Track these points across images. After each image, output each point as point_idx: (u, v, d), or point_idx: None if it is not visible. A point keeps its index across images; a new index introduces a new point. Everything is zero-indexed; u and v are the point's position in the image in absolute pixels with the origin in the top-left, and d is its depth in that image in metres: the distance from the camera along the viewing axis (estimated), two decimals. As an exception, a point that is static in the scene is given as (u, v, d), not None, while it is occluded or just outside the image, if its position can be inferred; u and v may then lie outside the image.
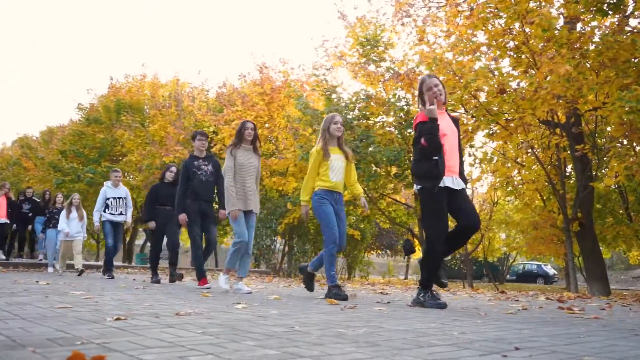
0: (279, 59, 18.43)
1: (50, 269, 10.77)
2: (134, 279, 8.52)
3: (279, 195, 16.65)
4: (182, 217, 6.34)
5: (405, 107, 14.07)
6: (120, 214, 9.04)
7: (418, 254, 16.70)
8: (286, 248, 17.43)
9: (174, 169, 8.03)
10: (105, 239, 8.93)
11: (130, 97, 23.40)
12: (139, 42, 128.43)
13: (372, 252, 29.25)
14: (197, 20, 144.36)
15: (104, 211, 8.97)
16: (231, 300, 4.28)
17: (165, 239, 8.08)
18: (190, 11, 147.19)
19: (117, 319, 2.62)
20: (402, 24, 13.98)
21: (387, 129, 14.50)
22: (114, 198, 9.05)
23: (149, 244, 28.27)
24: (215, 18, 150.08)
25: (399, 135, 14.20)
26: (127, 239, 25.85)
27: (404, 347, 2.00)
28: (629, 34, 8.47)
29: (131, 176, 21.75)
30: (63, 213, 9.96)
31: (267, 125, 17.76)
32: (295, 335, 2.22)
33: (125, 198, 9.18)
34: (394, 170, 14.85)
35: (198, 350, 1.80)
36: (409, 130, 14.22)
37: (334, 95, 14.57)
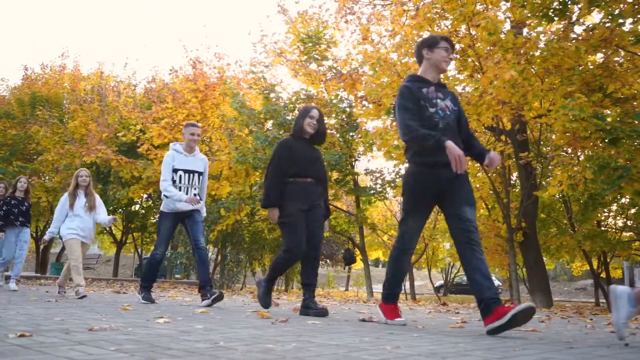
0: (214, 53, 18.27)
1: (11, 284, 8.30)
2: (47, 291, 8.21)
3: (211, 201, 16.48)
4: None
5: (347, 109, 14.25)
6: (195, 197, 6.00)
7: (359, 263, 16.88)
8: (219, 257, 17.26)
9: (315, 112, 5.03)
10: (158, 239, 6.08)
11: (47, 89, 22.63)
12: (58, 29, 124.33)
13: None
14: (124, 6, 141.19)
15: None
16: (153, 314, 4.20)
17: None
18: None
19: (21, 335, 2.53)
20: (346, 22, 14.17)
21: (329, 131, 14.62)
22: (186, 171, 5.96)
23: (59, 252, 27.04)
24: (145, 5, 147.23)
25: (340, 139, 14.36)
26: (42, 247, 24.93)
27: (334, 363, 2.03)
28: (573, 41, 8.90)
29: (46, 177, 21.01)
30: (62, 200, 7.06)
31: (200, 124, 17.54)
32: (219, 352, 2.21)
33: (202, 174, 6.12)
34: (334, 175, 14.99)
35: (109, 369, 1.76)
36: (351, 134, 14.41)
37: (272, 95, 14.60)
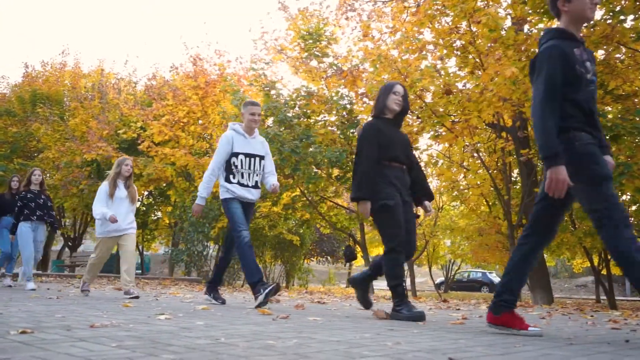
0: (214, 50, 18.29)
1: (30, 284, 7.61)
2: (48, 289, 8.23)
3: (211, 198, 16.48)
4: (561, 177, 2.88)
5: (348, 106, 14.25)
6: (256, 185, 5.43)
7: (360, 260, 16.92)
8: (220, 254, 17.25)
9: (399, 88, 4.39)
10: (233, 229, 5.23)
11: (48, 87, 22.66)
12: (59, 27, 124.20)
13: (311, 259, 29.41)
14: (124, 4, 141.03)
15: (229, 179, 5.28)
16: (154, 311, 4.21)
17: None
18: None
19: (23, 332, 2.54)
20: (347, 18, 14.17)
21: (329, 128, 14.63)
22: (247, 155, 5.37)
23: (64, 250, 26.88)
24: (145, 3, 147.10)
25: (341, 136, 14.35)
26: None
27: (334, 358, 2.03)
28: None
29: (47, 175, 21.03)
30: (102, 189, 6.54)
31: (200, 121, 17.57)
32: (220, 348, 2.21)
33: (264, 157, 5.51)
34: (335, 172, 14.99)
35: (110, 365, 1.76)
36: (351, 131, 14.40)
37: (273, 92, 14.59)
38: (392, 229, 4.07)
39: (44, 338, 2.38)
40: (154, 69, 33.46)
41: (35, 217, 8.01)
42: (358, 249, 16.89)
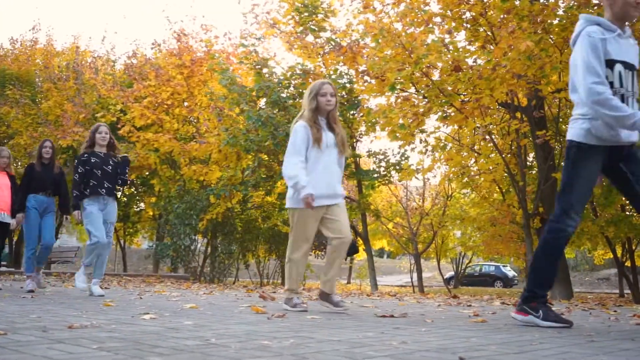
0: (200, 25, 18.20)
1: (95, 288, 6.46)
2: (22, 287, 8.24)
3: (199, 187, 16.48)
4: None
5: (347, 85, 14.21)
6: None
7: (362, 254, 16.95)
8: (209, 249, 17.29)
9: None
10: (562, 203, 3.73)
11: (17, 66, 22.56)
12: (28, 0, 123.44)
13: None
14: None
15: None
16: (138, 310, 4.22)
17: None
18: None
19: (-5, 334, 2.55)
20: (345, -12, 14.10)
21: (327, 110, 14.58)
22: (628, 65, 3.40)
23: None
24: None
25: (340, 118, 14.33)
26: (15, 238, 24.96)
27: (335, 359, 2.04)
28: (595, 8, 8.85)
29: (19, 162, 20.98)
30: (299, 134, 4.47)
31: (185, 103, 17.50)
32: (210, 349, 2.22)
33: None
34: (334, 157, 14.95)
35: (91, 369, 1.77)
36: (351, 112, 14.38)
37: (265, 70, 14.54)
38: None
39: (19, 340, 2.38)
40: (134, 46, 33.25)
41: (104, 190, 6.30)
42: (360, 241, 16.92)
